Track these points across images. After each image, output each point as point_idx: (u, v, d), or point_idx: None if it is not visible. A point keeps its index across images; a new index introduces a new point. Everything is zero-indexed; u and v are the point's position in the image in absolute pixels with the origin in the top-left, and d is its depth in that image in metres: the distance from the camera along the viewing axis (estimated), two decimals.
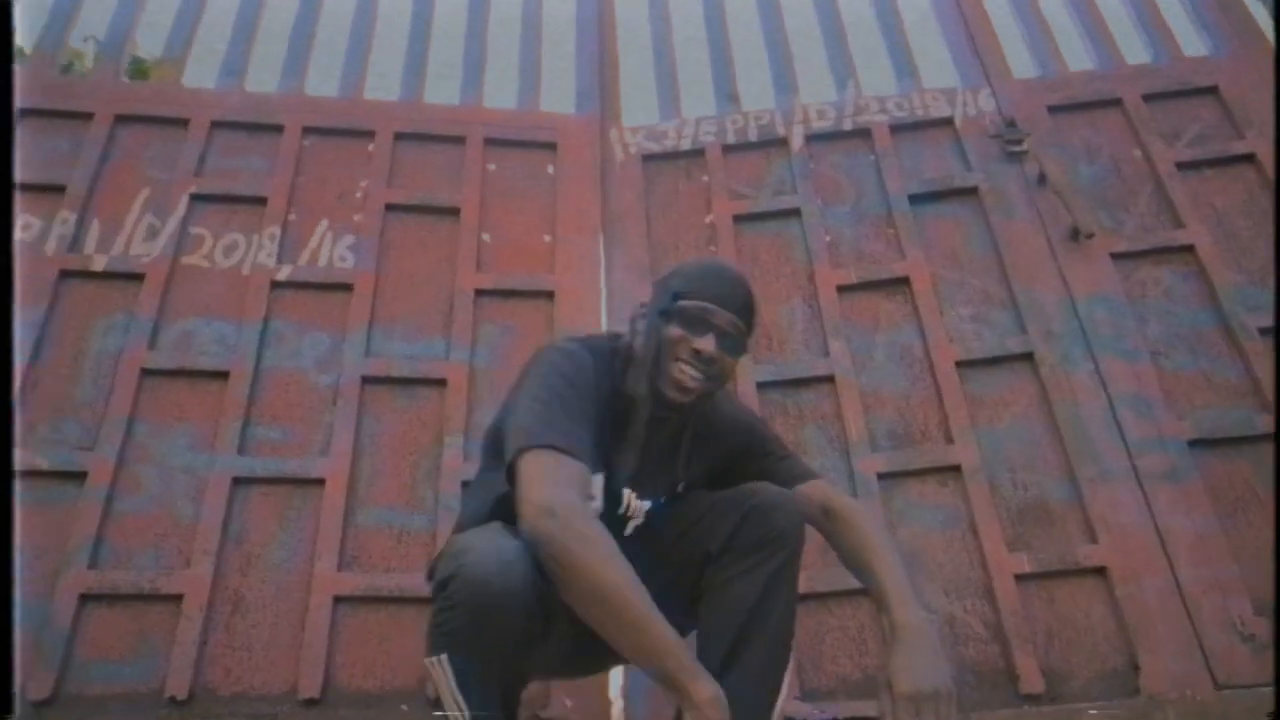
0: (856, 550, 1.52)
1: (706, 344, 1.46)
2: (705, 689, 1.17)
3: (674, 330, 1.47)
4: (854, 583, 2.17)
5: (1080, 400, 2.43)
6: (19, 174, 2.71)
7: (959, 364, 2.52)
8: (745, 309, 1.52)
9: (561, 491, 1.25)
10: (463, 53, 3.25)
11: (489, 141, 2.97)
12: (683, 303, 1.48)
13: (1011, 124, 2.91)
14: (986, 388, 2.51)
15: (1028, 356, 2.52)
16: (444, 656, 1.26)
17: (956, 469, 2.37)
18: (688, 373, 1.47)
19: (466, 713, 1.24)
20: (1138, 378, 2.45)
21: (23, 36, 3.62)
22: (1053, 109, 2.95)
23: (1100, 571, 2.21)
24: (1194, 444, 2.33)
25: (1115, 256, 2.65)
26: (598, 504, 1.43)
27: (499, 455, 1.39)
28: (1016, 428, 2.44)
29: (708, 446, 1.66)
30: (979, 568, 2.25)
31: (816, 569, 2.28)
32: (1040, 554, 2.24)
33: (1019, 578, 2.21)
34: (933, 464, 2.40)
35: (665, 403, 1.50)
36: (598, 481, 1.43)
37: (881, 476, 2.38)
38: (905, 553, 2.28)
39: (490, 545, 1.23)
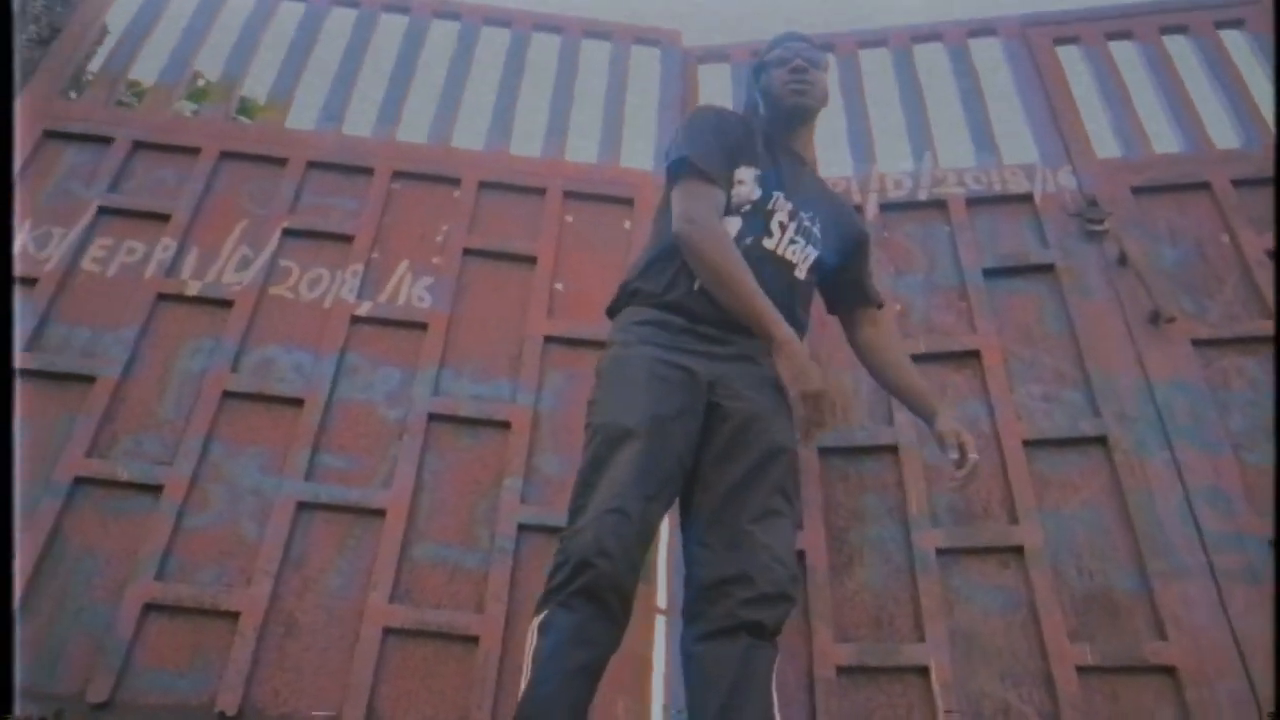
0: (894, 367, 2.17)
1: (796, 62, 2.05)
2: (781, 331, 1.71)
3: (773, 72, 2.09)
4: (904, 660, 2.18)
5: (1154, 489, 2.35)
6: (132, 202, 2.90)
7: (1027, 443, 2.46)
8: (806, 39, 2.12)
9: (699, 206, 1.82)
10: (549, 107, 3.36)
11: (568, 194, 3.05)
12: (767, 57, 2.12)
13: (1093, 203, 2.87)
14: (1055, 469, 2.44)
15: (1100, 440, 2.45)
16: (540, 618, 1.53)
17: (1019, 550, 2.30)
18: (792, 84, 2.04)
19: (530, 676, 1.49)
20: (1217, 470, 2.36)
21: (144, 74, 3.89)
22: (1136, 190, 2.90)
23: (1169, 671, 2.11)
24: (1276, 543, 2.23)
25: (1197, 343, 2.57)
26: (749, 189, 1.93)
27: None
28: (1085, 513, 2.37)
29: (835, 208, 2.13)
30: (1038, 656, 2.17)
31: (867, 642, 2.24)
32: (1104, 647, 2.15)
33: (1081, 670, 2.12)
34: (994, 543, 2.33)
35: (790, 113, 2.07)
36: (749, 174, 1.94)
37: (940, 552, 2.33)
38: (960, 633, 2.22)
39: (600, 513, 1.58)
